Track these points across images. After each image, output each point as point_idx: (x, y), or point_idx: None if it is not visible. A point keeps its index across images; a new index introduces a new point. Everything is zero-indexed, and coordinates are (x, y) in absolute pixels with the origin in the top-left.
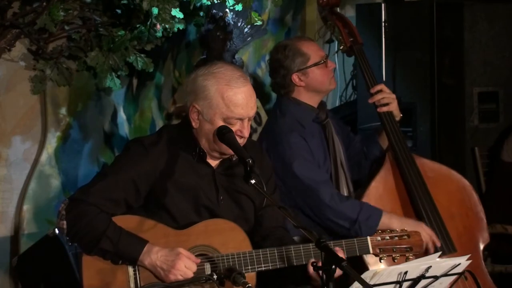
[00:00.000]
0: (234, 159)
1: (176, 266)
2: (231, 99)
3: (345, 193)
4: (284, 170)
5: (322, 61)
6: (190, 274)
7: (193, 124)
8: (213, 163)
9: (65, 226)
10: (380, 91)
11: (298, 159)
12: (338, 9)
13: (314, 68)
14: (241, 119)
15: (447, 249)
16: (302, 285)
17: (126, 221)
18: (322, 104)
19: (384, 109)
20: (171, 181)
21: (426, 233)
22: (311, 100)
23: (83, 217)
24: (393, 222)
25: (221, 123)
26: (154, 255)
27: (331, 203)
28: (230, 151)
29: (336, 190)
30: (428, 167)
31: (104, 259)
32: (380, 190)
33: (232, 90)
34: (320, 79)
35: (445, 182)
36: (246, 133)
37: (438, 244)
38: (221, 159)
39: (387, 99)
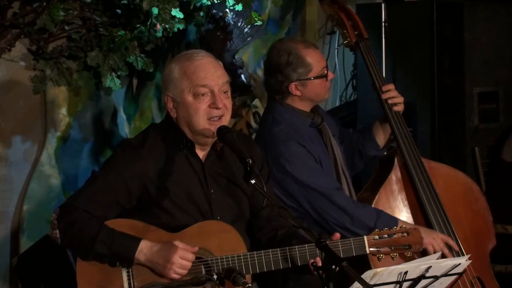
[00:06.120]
0: (218, 149)
1: (172, 259)
2: (194, 70)
3: None
4: (291, 182)
5: (324, 74)
6: (187, 265)
7: (171, 114)
8: (202, 153)
9: (58, 235)
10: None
11: (304, 168)
12: None
13: (314, 80)
14: (210, 90)
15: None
16: None
17: (118, 226)
18: (316, 108)
19: (398, 108)
20: (163, 178)
21: (440, 239)
22: (305, 107)
23: (74, 224)
24: None
25: (190, 99)
26: (149, 251)
27: (348, 211)
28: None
29: (349, 196)
30: (436, 170)
31: (102, 263)
32: (389, 197)
33: (193, 63)
34: (317, 91)
35: (452, 185)
36: (220, 104)
37: (456, 248)
38: (209, 150)
39: (398, 99)
